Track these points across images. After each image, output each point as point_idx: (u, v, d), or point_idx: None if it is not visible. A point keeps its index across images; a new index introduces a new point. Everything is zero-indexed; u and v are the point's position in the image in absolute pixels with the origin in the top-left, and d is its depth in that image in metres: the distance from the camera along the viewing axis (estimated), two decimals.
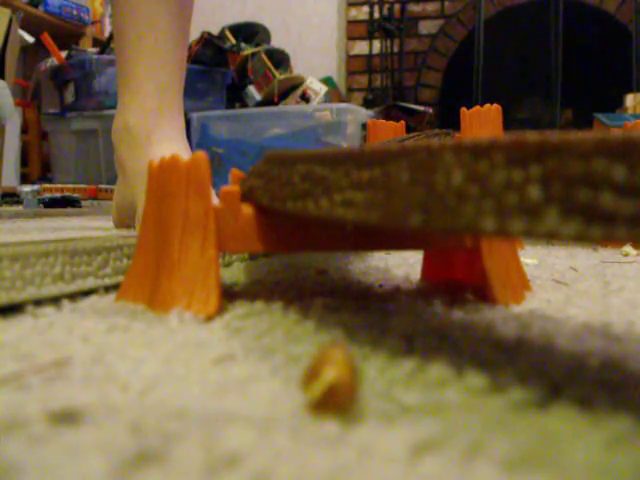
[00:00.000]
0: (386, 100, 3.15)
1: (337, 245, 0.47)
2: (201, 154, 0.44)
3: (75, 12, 3.14)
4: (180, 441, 0.22)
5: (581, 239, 0.21)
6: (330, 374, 0.23)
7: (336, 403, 0.23)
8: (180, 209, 0.44)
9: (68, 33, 3.13)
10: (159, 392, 0.27)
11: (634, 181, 0.20)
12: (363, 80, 3.43)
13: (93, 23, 3.34)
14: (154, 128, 0.84)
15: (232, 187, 0.46)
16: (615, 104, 2.48)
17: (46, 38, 2.77)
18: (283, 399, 0.26)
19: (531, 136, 0.23)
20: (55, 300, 0.47)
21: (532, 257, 0.78)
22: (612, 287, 0.57)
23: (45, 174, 3.01)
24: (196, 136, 2.75)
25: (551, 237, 0.22)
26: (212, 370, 0.30)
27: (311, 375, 0.24)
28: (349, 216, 0.31)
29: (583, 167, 0.21)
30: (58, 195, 1.75)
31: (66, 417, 0.24)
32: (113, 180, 0.94)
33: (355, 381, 0.24)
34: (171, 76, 0.86)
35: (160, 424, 0.23)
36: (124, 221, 0.92)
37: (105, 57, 2.69)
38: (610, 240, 0.21)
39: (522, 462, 0.21)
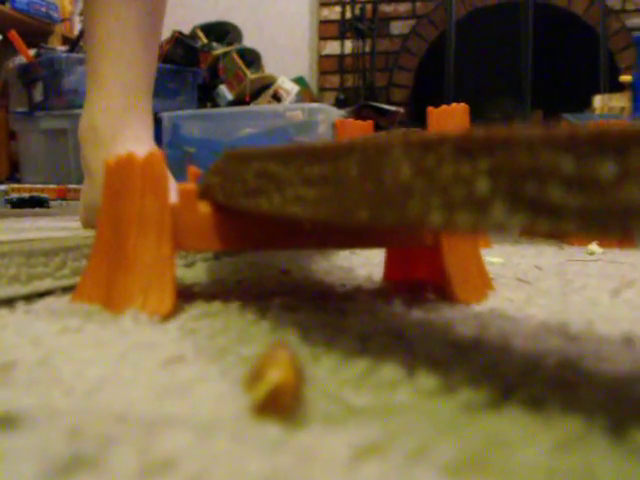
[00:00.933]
0: (358, 100, 3.15)
1: (297, 243, 0.47)
2: (157, 151, 0.44)
3: (44, 9, 3.10)
4: (117, 445, 0.21)
5: (528, 232, 0.21)
6: (274, 376, 0.22)
7: (280, 405, 0.23)
8: (136, 207, 0.43)
9: (36, 31, 3.09)
10: (103, 395, 0.27)
11: (581, 174, 0.20)
12: (335, 80, 3.43)
13: (62, 21, 3.30)
14: (120, 128, 0.83)
15: (189, 185, 0.46)
16: (583, 105, 2.50)
17: (14, 36, 2.73)
18: (228, 401, 0.25)
19: (479, 130, 0.23)
20: (10, 302, 0.46)
21: (498, 256, 0.78)
22: (574, 286, 0.57)
23: (13, 174, 2.97)
24: (167, 135, 2.73)
25: (498, 230, 0.22)
26: (160, 372, 0.30)
27: (255, 377, 0.23)
28: (300, 212, 0.31)
29: (531, 160, 0.21)
30: (26, 195, 1.73)
31: (4, 422, 0.23)
32: (82, 180, 0.93)
33: (300, 383, 0.23)
34: (139, 76, 0.86)
35: (99, 428, 0.23)
36: (92, 221, 0.91)
37: (74, 56, 2.66)
38: (557, 233, 0.21)
39: (467, 466, 0.20)
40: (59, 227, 0.98)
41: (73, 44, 2.87)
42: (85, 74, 0.89)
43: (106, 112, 0.84)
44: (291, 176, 0.32)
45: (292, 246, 0.48)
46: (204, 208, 0.45)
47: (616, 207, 0.19)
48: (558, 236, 0.20)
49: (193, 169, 0.52)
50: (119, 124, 0.83)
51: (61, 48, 2.98)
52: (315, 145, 0.31)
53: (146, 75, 0.87)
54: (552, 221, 0.20)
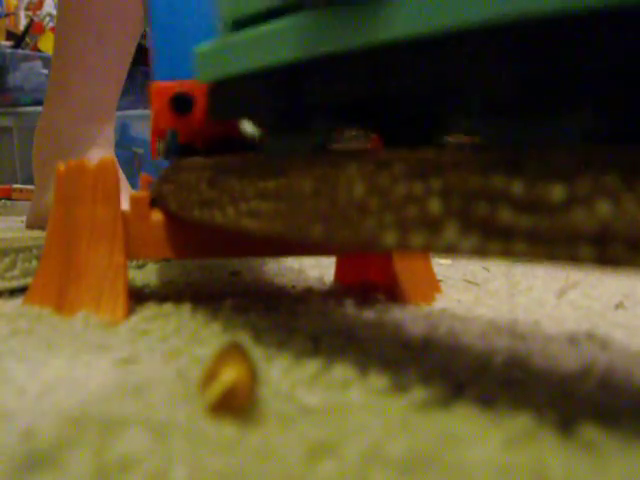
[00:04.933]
0: None
1: (249, 251, 0.47)
2: (109, 158, 0.43)
3: None
4: (73, 446, 0.21)
5: (481, 254, 0.21)
6: (228, 375, 0.23)
7: (234, 405, 0.23)
8: (87, 214, 0.43)
9: None
10: (57, 396, 0.26)
11: (531, 196, 0.20)
12: None
13: (7, 15, 3.23)
14: (83, 134, 0.85)
15: (141, 192, 0.46)
16: None
17: None
18: (183, 402, 0.26)
19: (430, 149, 0.23)
20: None
21: (445, 257, 0.79)
22: (521, 287, 0.58)
23: None
24: (116, 136, 2.70)
25: (451, 252, 0.22)
26: (113, 373, 0.30)
27: (209, 377, 0.24)
28: (254, 226, 0.30)
29: (482, 181, 0.21)
30: None
31: None
32: (28, 180, 0.92)
33: (254, 382, 0.24)
34: (109, 90, 0.88)
35: (54, 429, 0.22)
36: (39, 223, 0.90)
37: (20, 52, 2.60)
38: (509, 256, 0.21)
39: (420, 463, 0.20)
40: (4, 227, 0.96)
41: (18, 40, 2.81)
42: (30, 72, 0.90)
43: (70, 119, 0.85)
44: (245, 189, 0.32)
45: (244, 254, 0.48)
46: (156, 216, 0.45)
47: (564, 231, 0.19)
48: None
49: (145, 176, 0.52)
50: (83, 132, 0.85)
51: (6, 43, 2.91)
52: (270, 158, 0.31)
53: (115, 89, 0.89)
54: (503, 243, 0.21)
